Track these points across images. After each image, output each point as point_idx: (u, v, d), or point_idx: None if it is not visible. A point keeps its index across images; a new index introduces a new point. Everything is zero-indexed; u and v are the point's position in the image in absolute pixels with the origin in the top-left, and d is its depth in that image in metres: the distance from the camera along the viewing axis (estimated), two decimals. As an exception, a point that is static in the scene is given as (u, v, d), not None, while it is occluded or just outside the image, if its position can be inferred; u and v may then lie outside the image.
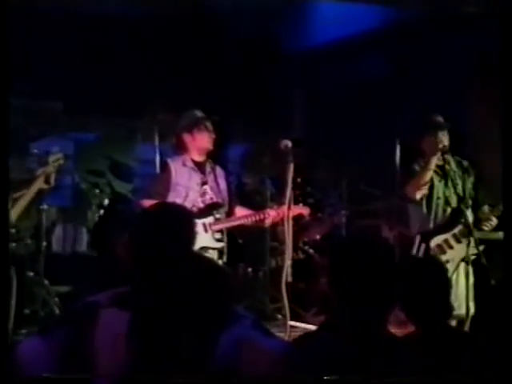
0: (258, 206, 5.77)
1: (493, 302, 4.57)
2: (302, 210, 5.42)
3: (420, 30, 6.68)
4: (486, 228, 4.88)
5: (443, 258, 4.76)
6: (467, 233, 4.81)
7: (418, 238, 4.87)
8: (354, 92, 7.44)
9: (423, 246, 4.85)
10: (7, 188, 2.34)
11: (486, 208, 4.92)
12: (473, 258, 4.79)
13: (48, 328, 2.53)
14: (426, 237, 4.89)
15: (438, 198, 4.97)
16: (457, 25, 6.24)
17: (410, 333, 2.70)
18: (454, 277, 4.62)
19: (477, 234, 4.79)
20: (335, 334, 2.30)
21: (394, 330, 2.39)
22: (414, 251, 4.81)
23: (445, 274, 2.97)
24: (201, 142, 5.14)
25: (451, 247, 4.90)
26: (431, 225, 4.96)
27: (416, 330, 2.72)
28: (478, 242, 4.75)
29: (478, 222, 4.91)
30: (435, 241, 4.89)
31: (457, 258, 4.81)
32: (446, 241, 4.91)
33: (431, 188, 4.95)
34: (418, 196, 4.91)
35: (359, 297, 2.29)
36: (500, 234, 5.60)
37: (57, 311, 5.87)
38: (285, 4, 6.52)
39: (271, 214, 5.22)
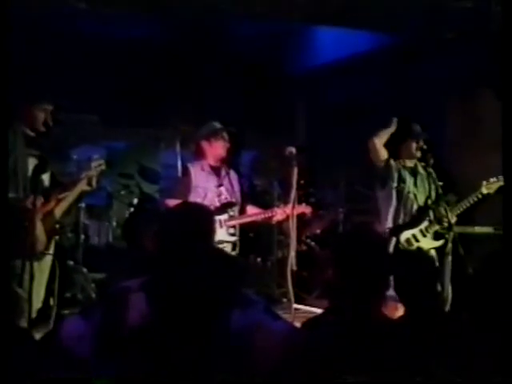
0: (266, 204, 5.78)
1: (467, 284, 4.56)
2: (305, 208, 5.40)
3: (406, 52, 6.68)
4: (444, 224, 4.85)
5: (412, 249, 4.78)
6: (433, 227, 4.85)
7: (388, 233, 4.86)
8: (349, 106, 7.45)
9: (394, 239, 4.84)
10: (6, 188, 2.26)
11: (443, 208, 4.88)
12: (448, 245, 4.80)
13: (87, 310, 2.54)
14: (396, 231, 4.89)
15: (409, 192, 4.96)
16: (439, 48, 6.24)
17: (402, 315, 2.70)
18: None
19: (456, 229, 4.80)
20: (339, 316, 2.30)
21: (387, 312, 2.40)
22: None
23: (433, 264, 2.95)
24: (217, 149, 5.14)
25: (418, 241, 4.88)
26: (402, 216, 4.93)
27: (406, 311, 2.71)
28: (456, 234, 4.77)
29: (438, 218, 4.91)
30: (404, 235, 4.88)
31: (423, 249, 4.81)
32: (413, 235, 4.89)
33: (403, 181, 4.94)
34: (382, 159, 4.90)
35: (358, 283, 2.29)
36: (475, 229, 5.63)
37: (93, 295, 5.91)
38: (289, 31, 6.54)
39: (278, 212, 5.22)
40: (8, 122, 2.27)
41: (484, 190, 4.89)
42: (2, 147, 2.28)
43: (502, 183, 4.89)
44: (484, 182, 4.91)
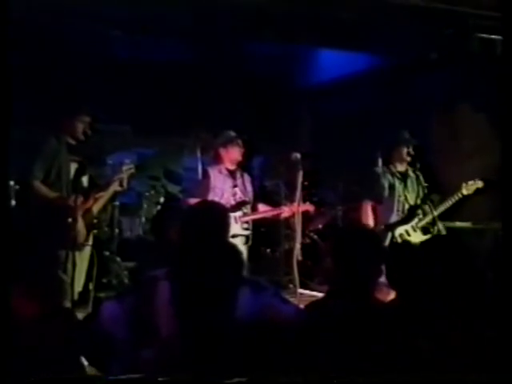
0: (275, 203, 5.76)
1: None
2: (308, 206, 5.40)
3: (397, 71, 6.68)
4: (428, 220, 4.86)
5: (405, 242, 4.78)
6: (427, 223, 4.85)
7: (384, 229, 4.86)
8: (348, 117, 7.45)
9: (389, 234, 4.84)
10: (7, 188, 2.17)
11: (428, 205, 4.89)
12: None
13: (121, 294, 2.55)
14: (391, 227, 4.88)
15: (399, 196, 4.95)
16: (425, 67, 6.24)
17: (392, 299, 2.69)
18: None
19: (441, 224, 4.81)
20: (337, 299, 2.31)
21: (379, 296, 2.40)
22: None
23: (419, 254, 2.94)
24: (233, 155, 5.14)
25: (409, 235, 4.87)
26: (395, 217, 4.93)
27: (396, 295, 2.71)
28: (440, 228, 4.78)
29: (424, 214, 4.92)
30: (398, 231, 4.87)
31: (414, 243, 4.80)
32: (406, 231, 4.88)
33: (393, 189, 4.93)
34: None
35: (354, 271, 2.30)
36: (456, 223, 5.61)
37: (126, 281, 5.92)
38: (295, 52, 6.56)
39: (285, 209, 5.22)
40: (9, 126, 2.20)
41: (464, 191, 4.90)
42: (3, 148, 2.19)
43: (479, 185, 4.90)
44: (464, 184, 4.92)
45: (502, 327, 2.12)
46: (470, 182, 4.90)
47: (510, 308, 2.17)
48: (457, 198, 4.88)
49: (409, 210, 4.94)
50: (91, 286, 4.51)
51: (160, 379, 1.91)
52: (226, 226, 2.65)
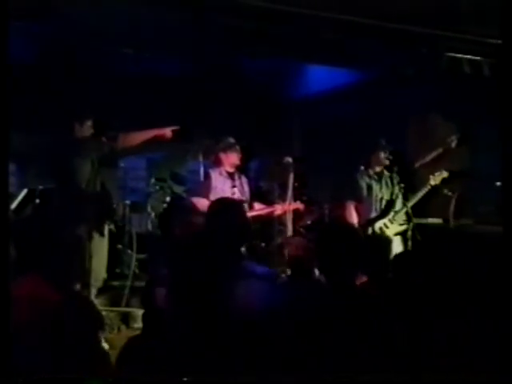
0: (269, 202, 5.81)
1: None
2: (299, 204, 5.47)
3: (376, 84, 6.75)
4: (402, 217, 4.97)
5: (384, 234, 4.90)
6: (401, 216, 4.96)
7: (365, 223, 4.97)
8: (333, 126, 7.51)
9: (370, 228, 4.95)
10: (7, 185, 2.21)
11: (403, 203, 5.02)
12: (408, 232, 4.91)
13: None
14: (372, 221, 4.99)
15: (376, 195, 5.06)
16: (401, 82, 6.32)
17: (364, 282, 2.75)
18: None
19: (415, 220, 4.92)
20: (323, 287, 2.36)
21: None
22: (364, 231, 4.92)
23: (389, 246, 3.01)
24: (232, 159, 5.20)
25: (388, 227, 4.98)
26: (374, 213, 5.04)
27: (367, 279, 2.76)
28: (414, 224, 4.89)
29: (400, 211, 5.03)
30: (378, 224, 4.98)
31: (392, 234, 4.91)
32: (384, 224, 5.00)
33: (371, 189, 5.06)
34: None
35: (337, 260, 2.35)
36: (428, 220, 5.70)
37: (136, 271, 5.95)
38: (288, 67, 6.61)
39: (278, 208, 5.28)
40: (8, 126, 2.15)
41: (432, 182, 5.06)
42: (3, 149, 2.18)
43: (445, 175, 5.07)
44: (431, 176, 5.07)
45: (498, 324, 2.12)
46: (437, 173, 5.08)
47: (508, 306, 2.12)
48: (426, 189, 5.03)
49: (385, 205, 5.06)
50: (106, 276, 4.56)
51: (158, 379, 1.85)
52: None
